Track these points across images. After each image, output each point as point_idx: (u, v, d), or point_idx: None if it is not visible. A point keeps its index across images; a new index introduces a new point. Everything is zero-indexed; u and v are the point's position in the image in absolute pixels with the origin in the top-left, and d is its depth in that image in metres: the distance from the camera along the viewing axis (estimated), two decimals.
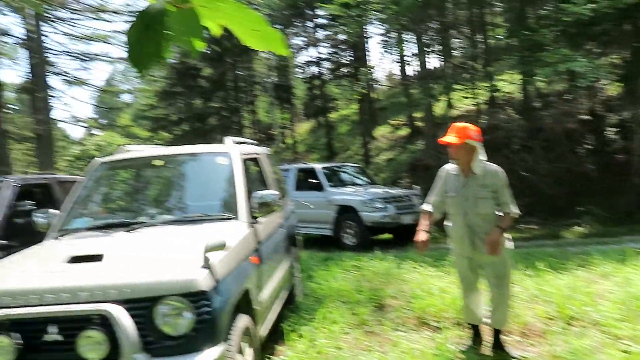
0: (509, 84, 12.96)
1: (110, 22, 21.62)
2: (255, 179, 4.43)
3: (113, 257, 2.60)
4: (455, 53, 20.27)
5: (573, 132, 12.83)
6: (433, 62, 25.42)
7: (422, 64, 14.63)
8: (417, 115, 18.00)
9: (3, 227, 6.02)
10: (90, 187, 3.82)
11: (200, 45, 1.03)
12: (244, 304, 2.88)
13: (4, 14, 17.56)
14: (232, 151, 3.79)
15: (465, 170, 3.45)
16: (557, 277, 5.15)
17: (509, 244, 3.47)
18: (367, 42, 26.07)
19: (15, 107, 23.96)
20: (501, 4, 14.63)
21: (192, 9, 0.94)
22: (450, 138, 3.38)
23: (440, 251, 6.28)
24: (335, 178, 10.87)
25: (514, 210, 3.39)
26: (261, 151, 4.80)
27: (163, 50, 1.06)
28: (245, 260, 3.02)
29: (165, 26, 0.96)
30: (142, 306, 2.28)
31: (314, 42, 27.08)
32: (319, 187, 10.16)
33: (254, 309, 3.03)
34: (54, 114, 21.78)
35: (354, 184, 10.89)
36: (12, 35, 21.07)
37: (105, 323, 2.21)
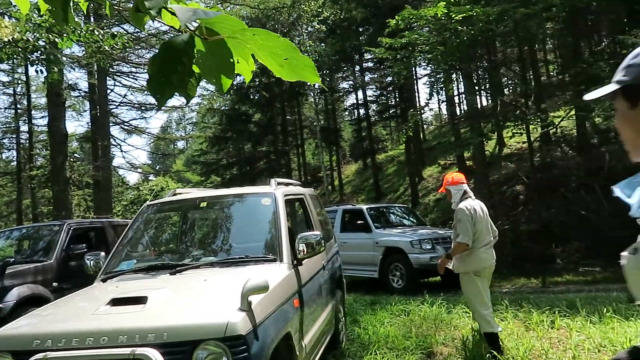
0: (564, 120, 12.55)
1: None
2: (300, 220, 4.39)
3: (154, 300, 2.59)
4: (506, 91, 19.94)
5: (636, 169, 12.09)
6: (482, 100, 25.13)
7: (471, 102, 14.43)
8: (467, 154, 17.64)
9: (57, 270, 6.26)
10: (138, 229, 3.90)
11: (229, 83, 1.00)
12: (285, 349, 2.77)
13: (72, 70, 18.93)
14: (276, 192, 3.78)
15: None
16: (625, 325, 4.71)
17: (455, 266, 4.43)
18: (415, 83, 26.18)
19: (77, 156, 25.42)
20: (553, 40, 14.36)
21: (222, 41, 0.91)
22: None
23: (494, 295, 5.94)
24: (382, 219, 10.69)
25: (459, 240, 4.27)
26: (306, 192, 4.78)
27: (190, 87, 1.04)
28: (286, 303, 2.93)
29: (191, 59, 0.93)
30: (180, 350, 2.23)
31: (361, 85, 27.46)
32: (365, 229, 10.00)
33: (296, 354, 2.92)
34: (112, 161, 22.93)
35: (401, 225, 10.66)
36: (79, 89, 22.73)
37: None
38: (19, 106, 26.19)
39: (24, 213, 23.95)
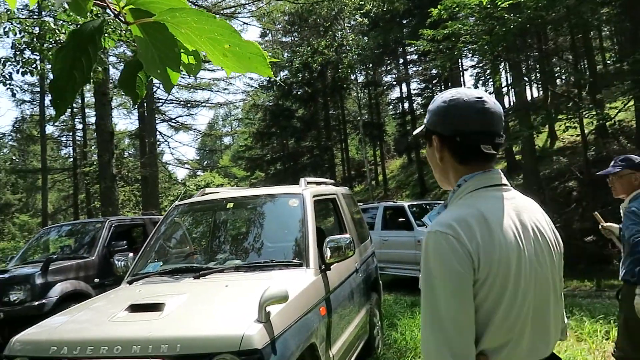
0: (622, 112, 11.74)
1: (212, 70, 23.15)
2: (332, 222, 4.22)
3: (171, 307, 2.50)
4: (558, 81, 18.94)
5: None
6: (533, 91, 24.05)
7: (520, 93, 13.76)
8: (516, 148, 16.89)
9: (98, 266, 6.39)
10: (165, 231, 3.85)
11: (176, 77, 0.83)
12: None
13: (117, 69, 19.51)
14: (304, 193, 3.63)
15: None
16: None
17: None
18: (461, 75, 25.38)
19: (128, 153, 26.30)
20: (609, 26, 13.47)
21: (162, 26, 0.74)
22: None
23: None
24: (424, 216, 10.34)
25: None
26: (339, 191, 4.59)
27: (139, 86, 0.87)
28: (311, 312, 2.78)
29: (97, 49, 0.76)
30: None
31: (405, 79, 26.91)
32: (407, 226, 9.69)
33: None
34: (160, 158, 23.55)
35: None
36: None
37: None
38: (74, 105, 27.34)
39: (80, 207, 25.01)
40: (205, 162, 42.81)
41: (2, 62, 8.31)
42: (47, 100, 25.89)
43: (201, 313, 2.47)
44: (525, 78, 14.15)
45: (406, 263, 9.45)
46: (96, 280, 6.23)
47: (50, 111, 26.16)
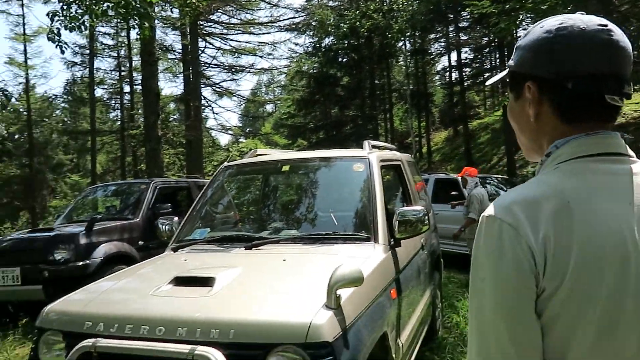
0: None
1: (256, 34, 22.67)
2: (397, 192, 3.76)
3: (222, 283, 2.13)
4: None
5: None
6: None
7: None
8: None
9: (143, 229, 6.19)
10: (213, 194, 3.49)
11: None
12: (379, 353, 2.21)
13: (166, 34, 19.33)
14: (371, 157, 3.16)
15: None
16: None
17: None
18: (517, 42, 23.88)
19: (173, 117, 26.44)
20: None
21: None
22: None
23: None
24: None
25: (470, 216, 6.37)
26: (403, 158, 4.09)
27: None
28: (382, 295, 2.36)
29: None
30: (249, 355, 1.75)
31: (455, 46, 25.61)
32: (459, 200, 9.14)
33: (392, 356, 2.36)
34: (204, 123, 23.49)
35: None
36: (174, 51, 23.34)
37: None
38: (122, 69, 27.62)
39: (127, 169, 25.51)
40: (248, 129, 42.83)
41: (50, 16, 8.14)
42: (97, 62, 26.22)
43: (258, 292, 2.09)
44: None
45: (458, 239, 8.97)
46: (140, 242, 6.04)
47: (99, 74, 26.52)
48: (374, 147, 3.55)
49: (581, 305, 0.72)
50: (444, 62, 29.46)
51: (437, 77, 33.19)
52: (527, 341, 0.73)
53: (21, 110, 26.93)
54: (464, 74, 26.01)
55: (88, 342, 1.88)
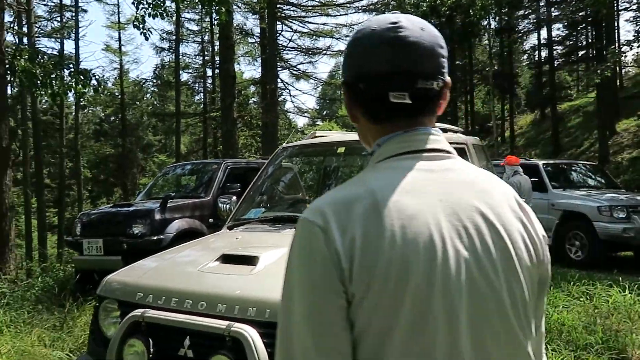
0: None
1: (334, 16, 22.60)
2: None
3: (264, 261, 2.16)
4: None
5: None
6: None
7: None
8: None
9: (213, 207, 6.45)
10: (271, 174, 3.55)
11: None
12: None
13: (247, 18, 19.78)
14: None
15: None
16: None
17: None
18: (616, 19, 21.83)
19: (253, 100, 27.22)
20: None
21: None
22: None
23: None
24: (561, 178, 9.13)
25: None
26: (469, 141, 3.89)
27: None
28: None
29: None
30: None
31: (546, 22, 23.89)
32: (540, 187, 8.61)
33: None
34: (282, 106, 23.93)
35: (585, 186, 8.97)
36: (253, 35, 23.90)
37: (238, 348, 1.76)
38: (205, 53, 28.72)
39: (209, 150, 26.74)
40: (325, 112, 43.11)
41: (135, 3, 8.60)
42: (182, 47, 27.53)
43: None
44: None
45: None
46: (210, 220, 6.32)
47: (185, 59, 27.82)
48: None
49: (390, 309, 0.69)
50: (532, 40, 27.70)
51: (524, 57, 31.25)
52: (334, 350, 0.69)
53: (116, 93, 29.00)
54: (554, 52, 24.26)
55: (138, 312, 2.00)
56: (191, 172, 7.88)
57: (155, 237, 5.60)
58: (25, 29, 16.95)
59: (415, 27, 0.83)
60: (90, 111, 32.00)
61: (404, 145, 0.82)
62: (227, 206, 3.36)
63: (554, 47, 24.24)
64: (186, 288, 2.06)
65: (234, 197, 3.40)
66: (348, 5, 22.45)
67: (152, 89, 33.30)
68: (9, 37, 15.01)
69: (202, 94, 30.40)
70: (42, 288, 5.87)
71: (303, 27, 22.71)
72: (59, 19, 23.56)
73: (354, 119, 0.91)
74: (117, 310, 2.19)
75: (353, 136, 3.76)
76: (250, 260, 2.19)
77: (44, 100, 20.84)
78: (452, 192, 0.76)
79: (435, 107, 0.86)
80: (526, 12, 26.14)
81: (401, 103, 0.81)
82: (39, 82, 7.49)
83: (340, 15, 28.29)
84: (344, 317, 0.69)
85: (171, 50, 27.27)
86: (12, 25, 15.57)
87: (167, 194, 6.49)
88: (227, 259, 2.27)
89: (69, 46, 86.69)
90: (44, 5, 23.22)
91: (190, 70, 29.21)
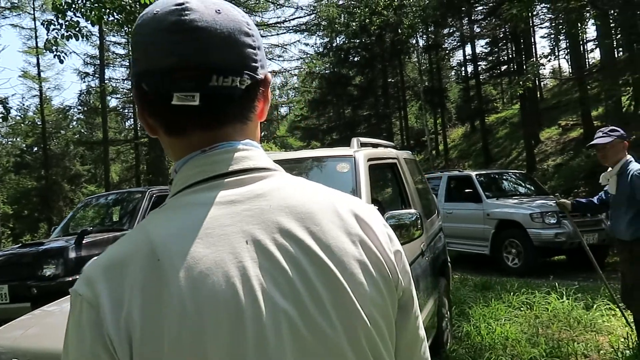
0: None
1: (265, 36, 22.55)
2: (391, 192, 3.42)
3: None
4: None
5: None
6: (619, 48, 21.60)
7: (607, 49, 12.07)
8: (594, 112, 15.16)
9: None
10: None
11: None
12: None
13: None
14: (357, 155, 2.84)
15: None
16: None
17: None
18: (532, 34, 23.22)
19: None
20: None
21: None
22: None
23: None
24: (494, 187, 9.32)
25: None
26: (400, 155, 3.75)
27: None
28: None
29: None
30: None
31: (470, 39, 25.02)
32: (474, 198, 8.73)
33: None
34: None
35: (517, 194, 9.20)
36: None
37: None
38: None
39: (142, 178, 25.61)
40: (263, 133, 42.80)
41: (45, 25, 8.02)
42: (109, 72, 26.41)
43: None
44: (613, 31, 12.38)
45: (473, 238, 8.57)
46: None
47: (113, 83, 26.68)
48: (363, 144, 3.22)
49: None
50: (458, 56, 28.91)
51: (452, 73, 32.60)
52: None
53: (37, 122, 27.29)
54: (479, 67, 25.40)
55: None
56: (114, 203, 7.30)
57: (70, 278, 5.03)
58: None
59: (209, 9, 0.63)
60: (9, 142, 29.95)
61: (199, 172, 0.63)
62: None
63: (479, 63, 25.37)
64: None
65: None
66: (278, 25, 22.49)
67: (78, 116, 31.72)
68: None
69: (132, 119, 29.29)
70: None
71: None
72: None
73: (151, 131, 0.69)
74: None
75: (280, 155, 3.51)
76: None
77: None
78: (263, 228, 0.58)
79: (246, 111, 0.66)
80: (451, 30, 27.30)
81: (190, 107, 0.61)
82: None
83: (272, 35, 28.32)
84: None
85: (96, 75, 26.10)
86: None
87: (83, 229, 5.91)
88: None
89: None
90: None
91: (118, 95, 28.05)
